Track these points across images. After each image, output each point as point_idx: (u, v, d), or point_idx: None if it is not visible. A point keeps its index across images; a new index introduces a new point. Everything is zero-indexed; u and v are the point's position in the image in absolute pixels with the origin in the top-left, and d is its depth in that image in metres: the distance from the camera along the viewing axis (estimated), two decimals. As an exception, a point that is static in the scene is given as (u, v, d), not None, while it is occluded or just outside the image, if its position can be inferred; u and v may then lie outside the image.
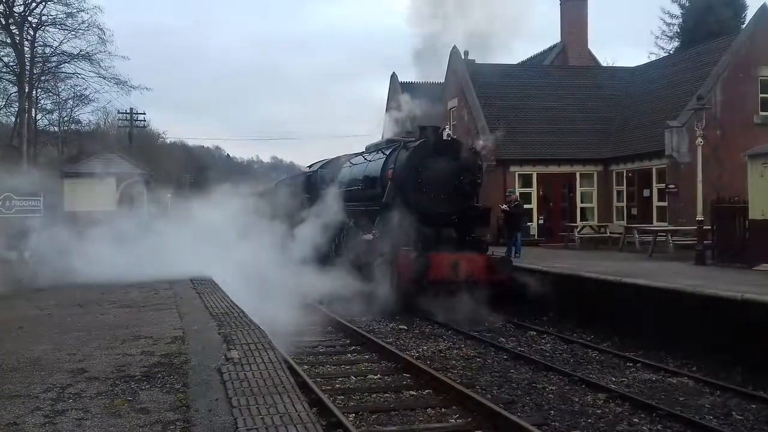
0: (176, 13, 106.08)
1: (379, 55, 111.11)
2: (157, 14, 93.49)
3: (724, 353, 9.72)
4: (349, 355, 10.76)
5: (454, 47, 25.73)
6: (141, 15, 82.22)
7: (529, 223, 22.70)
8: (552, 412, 7.77)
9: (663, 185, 21.25)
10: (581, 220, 23.71)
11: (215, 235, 16.18)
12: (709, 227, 15.69)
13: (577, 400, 8.22)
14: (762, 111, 21.31)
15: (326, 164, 20.78)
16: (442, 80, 27.59)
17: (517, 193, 21.08)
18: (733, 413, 7.73)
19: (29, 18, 30.66)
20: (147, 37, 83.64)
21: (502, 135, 19.57)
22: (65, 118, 39.06)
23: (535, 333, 12.57)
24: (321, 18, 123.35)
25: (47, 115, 36.56)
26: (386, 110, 33.62)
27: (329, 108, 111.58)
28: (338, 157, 20.61)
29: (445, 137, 15.49)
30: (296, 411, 5.34)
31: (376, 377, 9.28)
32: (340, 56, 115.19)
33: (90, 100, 34.89)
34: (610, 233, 21.84)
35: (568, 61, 29.96)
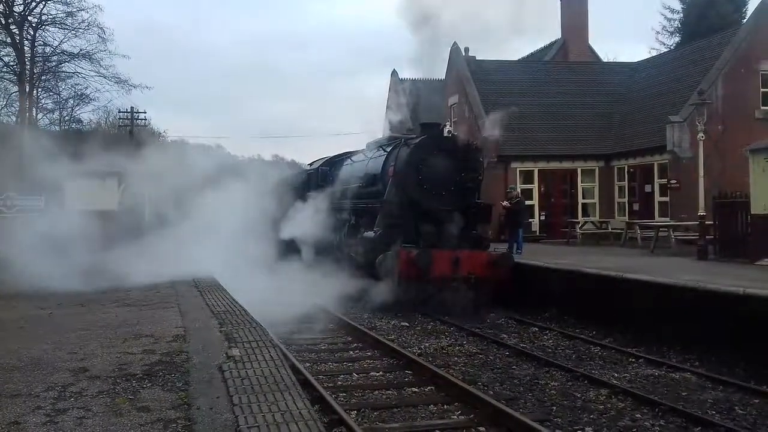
0: (175, 11, 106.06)
1: (378, 52, 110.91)
2: (156, 12, 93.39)
3: (727, 348, 9.70)
4: (351, 352, 10.74)
5: (455, 44, 25.73)
6: (140, 13, 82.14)
7: (530, 220, 22.71)
8: (554, 408, 7.75)
9: (665, 180, 21.25)
10: (583, 216, 23.69)
11: (214, 233, 16.19)
12: (711, 222, 15.67)
13: (579, 396, 8.21)
14: (763, 106, 21.29)
15: (327, 162, 20.75)
16: (443, 77, 27.55)
17: (519, 190, 21.06)
18: (736, 408, 7.70)
19: (29, 17, 30.68)
20: (146, 36, 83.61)
21: (503, 131, 19.54)
22: (66, 118, 39.10)
23: (536, 329, 12.55)
24: (319, 16, 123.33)
25: (48, 115, 36.57)
26: (386, 107, 33.67)
27: (329, 106, 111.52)
28: (339, 155, 20.60)
29: (445, 134, 15.47)
30: (298, 408, 5.34)
31: (378, 374, 9.27)
32: (339, 54, 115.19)
33: (91, 100, 34.88)
34: (611, 229, 21.82)
35: (568, 57, 29.91)
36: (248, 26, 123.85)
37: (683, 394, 8.29)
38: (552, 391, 8.42)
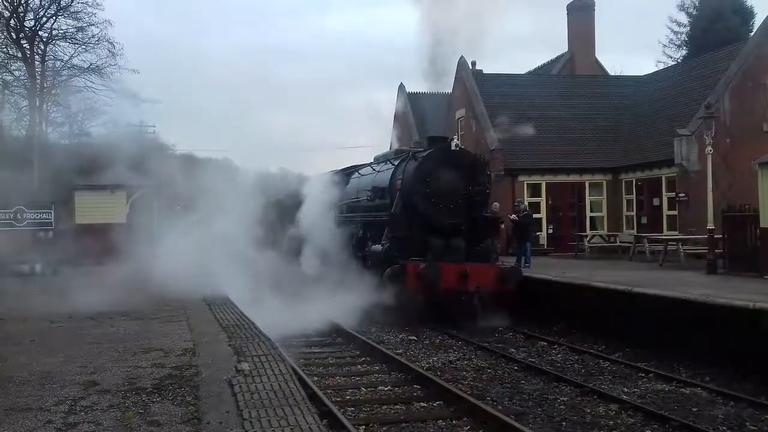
0: (184, 27, 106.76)
1: (386, 65, 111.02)
2: (162, 28, 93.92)
3: (737, 363, 9.64)
4: (359, 366, 10.73)
5: (462, 57, 25.83)
6: (148, 28, 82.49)
7: (538, 233, 22.66)
8: (564, 423, 7.73)
9: (673, 194, 21.18)
10: (591, 230, 23.64)
11: (219, 247, 16.21)
12: (720, 236, 15.60)
13: (589, 411, 8.17)
14: (771, 119, 21.22)
15: (334, 175, 20.78)
16: (450, 90, 27.63)
17: (526, 203, 21.05)
18: (747, 424, 7.66)
19: (40, 32, 30.96)
20: (155, 51, 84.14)
21: (511, 145, 19.70)
22: (75, 131, 39.29)
23: (545, 343, 12.50)
24: (326, 29, 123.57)
25: (58, 128, 36.73)
26: (394, 120, 33.80)
27: (336, 119, 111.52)
28: (347, 168, 20.66)
29: (453, 147, 15.51)
30: (307, 423, 5.36)
31: (386, 388, 9.25)
32: (347, 68, 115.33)
33: (100, 114, 35.02)
34: (619, 242, 21.75)
35: (575, 71, 29.97)
36: (256, 41, 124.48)
37: (693, 409, 8.25)
38: (561, 406, 8.39)
